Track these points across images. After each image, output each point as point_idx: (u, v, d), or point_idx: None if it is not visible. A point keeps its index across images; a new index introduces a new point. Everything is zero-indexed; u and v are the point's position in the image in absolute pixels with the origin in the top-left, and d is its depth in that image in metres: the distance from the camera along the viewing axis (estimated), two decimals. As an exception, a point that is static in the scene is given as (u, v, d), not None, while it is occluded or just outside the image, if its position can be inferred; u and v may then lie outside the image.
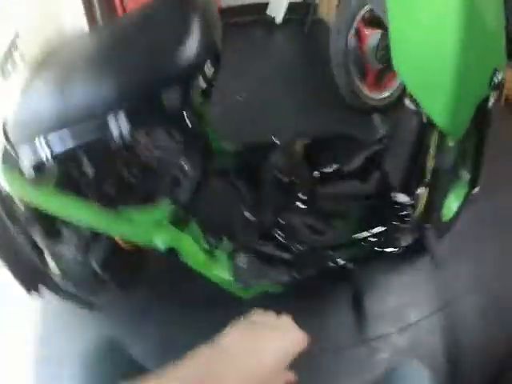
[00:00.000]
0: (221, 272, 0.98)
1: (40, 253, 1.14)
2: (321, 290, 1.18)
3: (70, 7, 2.53)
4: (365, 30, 1.50)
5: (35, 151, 0.90)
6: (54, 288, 1.25)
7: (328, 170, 1.12)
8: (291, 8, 2.20)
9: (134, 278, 1.18)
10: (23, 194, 1.02)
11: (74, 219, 1.01)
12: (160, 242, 0.94)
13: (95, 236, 1.08)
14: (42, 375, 1.21)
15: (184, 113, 0.81)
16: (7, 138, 0.97)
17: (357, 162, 1.08)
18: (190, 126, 0.83)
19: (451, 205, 1.16)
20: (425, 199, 1.08)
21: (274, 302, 1.04)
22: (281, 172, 0.98)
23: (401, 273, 1.24)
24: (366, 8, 1.43)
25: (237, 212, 1.00)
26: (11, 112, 0.93)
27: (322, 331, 1.14)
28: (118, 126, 0.79)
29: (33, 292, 1.14)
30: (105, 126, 0.79)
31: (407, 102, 1.02)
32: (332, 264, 1.00)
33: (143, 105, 0.80)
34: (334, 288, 1.19)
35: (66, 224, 1.14)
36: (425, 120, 1.01)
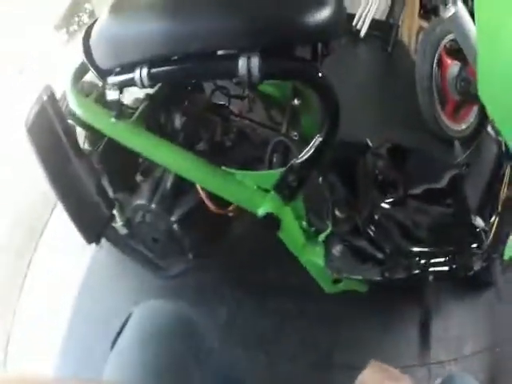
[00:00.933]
0: (315, 256, 0.89)
1: (108, 202, 1.11)
2: (394, 303, 1.22)
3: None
4: (447, 59, 1.63)
5: (131, 79, 0.88)
6: (119, 243, 1.21)
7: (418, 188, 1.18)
8: (374, 25, 2.42)
9: (212, 248, 1.16)
10: (100, 124, 1.02)
11: (163, 162, 1.01)
12: (261, 208, 0.95)
13: (179, 192, 1.07)
14: (88, 332, 1.21)
15: (318, 69, 0.81)
16: (91, 60, 0.96)
17: (442, 182, 1.07)
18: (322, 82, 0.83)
19: (512, 244, 1.18)
20: (494, 229, 1.15)
21: (350, 305, 1.13)
22: (378, 171, 0.96)
23: (464, 303, 1.30)
24: (450, 37, 1.57)
25: (327, 207, 0.94)
26: (98, 34, 0.92)
27: (391, 347, 1.18)
28: (249, 66, 0.76)
29: (93, 244, 1.09)
30: (231, 64, 0.78)
31: (489, 129, 1.01)
32: (419, 271, 0.91)
33: (276, 52, 0.79)
34: (406, 304, 1.23)
35: (146, 174, 1.14)
36: (504, 149, 1.10)
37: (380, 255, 1.05)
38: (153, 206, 1.06)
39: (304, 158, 0.90)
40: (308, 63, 0.82)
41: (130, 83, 0.90)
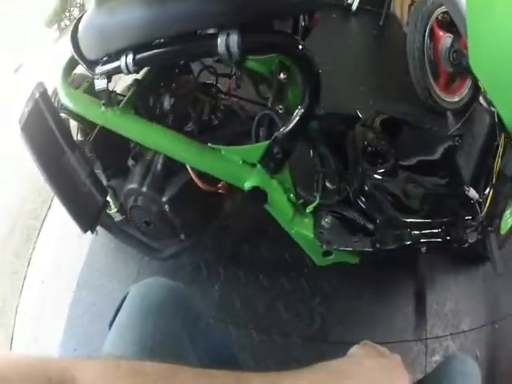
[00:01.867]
0: (304, 229, 0.99)
1: (102, 190, 1.11)
2: (388, 276, 1.21)
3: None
4: (439, 32, 1.62)
5: (117, 67, 0.90)
6: (113, 229, 1.21)
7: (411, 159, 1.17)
8: None
9: (204, 228, 1.14)
10: (89, 113, 1.03)
11: (151, 145, 1.02)
12: (248, 182, 0.94)
13: (169, 174, 1.07)
14: (88, 323, 1.22)
15: (297, 41, 0.81)
16: (79, 52, 0.98)
17: (435, 153, 1.05)
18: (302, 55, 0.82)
19: (508, 219, 1.13)
20: (489, 202, 1.12)
21: (344, 279, 1.14)
22: (368, 142, 0.94)
23: (461, 277, 1.27)
24: (441, 9, 1.57)
25: (317, 178, 0.92)
26: (84, 26, 0.94)
27: (387, 322, 1.15)
28: (227, 43, 0.77)
29: (89, 232, 1.08)
30: (210, 42, 0.78)
31: (481, 99, 1.09)
32: (411, 242, 0.89)
33: (255, 28, 0.79)
34: (401, 278, 1.22)
35: (136, 158, 1.14)
36: (496, 119, 1.06)
37: (371, 226, 1.04)
38: (144, 189, 1.06)
39: (287, 129, 0.89)
40: (287, 36, 0.83)
41: (117, 71, 0.92)
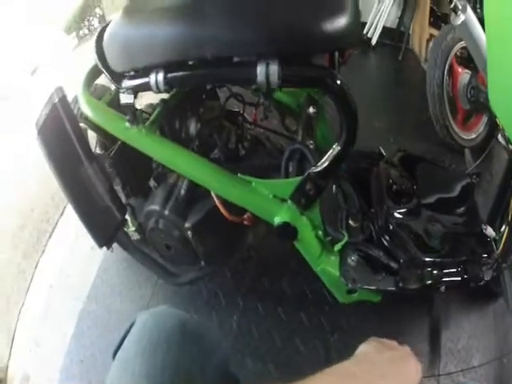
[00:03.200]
0: (330, 266, 0.99)
1: (120, 207, 1.06)
2: (405, 314, 1.19)
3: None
4: (458, 68, 1.61)
5: (146, 84, 0.86)
6: (130, 248, 1.15)
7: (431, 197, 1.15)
8: (385, 33, 2.41)
9: (226, 257, 1.12)
10: (112, 128, 1.00)
11: (178, 169, 0.98)
12: (278, 217, 0.91)
13: (193, 199, 1.04)
14: (95, 338, 1.19)
15: (337, 76, 0.79)
16: (104, 63, 0.94)
17: (454, 191, 1.04)
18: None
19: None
20: (505, 239, 1.10)
21: (361, 314, 1.12)
22: (392, 181, 0.92)
23: (472, 315, 1.25)
24: (460, 45, 1.55)
25: (341, 215, 0.90)
26: (111, 36, 0.90)
27: None
28: (267, 72, 0.75)
29: (105, 248, 1.07)
30: (250, 70, 0.76)
31: (499, 137, 1.07)
32: (431, 282, 0.87)
33: (295, 60, 0.78)
34: (417, 316, 1.20)
35: (159, 180, 1.10)
36: None
37: (394, 265, 1.03)
38: (166, 212, 1.04)
39: (322, 167, 0.87)
40: (327, 71, 0.81)
41: (145, 87, 0.88)
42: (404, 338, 1.17)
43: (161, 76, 0.83)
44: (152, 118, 1.00)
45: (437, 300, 1.17)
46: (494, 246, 1.15)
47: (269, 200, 0.91)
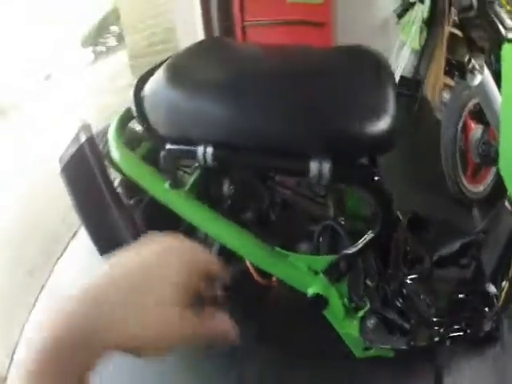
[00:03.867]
0: (351, 329, 1.06)
1: None
2: (410, 363, 1.28)
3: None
4: (471, 123, 1.65)
5: (192, 154, 0.87)
6: None
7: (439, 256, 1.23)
8: (401, 81, 2.42)
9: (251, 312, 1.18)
10: (149, 186, 0.99)
11: (217, 236, 1.00)
12: (311, 289, 0.98)
13: (224, 258, 0.95)
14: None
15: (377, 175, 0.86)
16: (143, 118, 0.94)
17: (461, 249, 1.12)
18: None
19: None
20: (505, 294, 1.20)
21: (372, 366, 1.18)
22: (409, 248, 1.01)
23: (473, 361, 1.36)
24: (474, 101, 1.58)
25: (358, 274, 0.98)
26: (154, 95, 0.89)
27: None
28: (320, 169, 0.81)
29: None
30: (302, 165, 0.82)
31: (506, 203, 1.16)
32: (439, 339, 0.97)
33: (345, 159, 0.84)
34: (421, 365, 1.29)
35: (189, 236, 1.02)
36: None
37: (407, 326, 1.11)
38: None
39: (355, 249, 0.95)
40: (371, 171, 0.87)
41: (191, 156, 0.90)
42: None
43: (210, 151, 0.84)
44: (191, 181, 1.02)
45: (439, 349, 1.26)
46: (495, 301, 1.26)
47: (303, 272, 0.98)
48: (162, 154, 0.94)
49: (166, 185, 0.97)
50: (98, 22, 2.87)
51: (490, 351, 1.36)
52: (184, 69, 0.93)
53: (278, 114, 0.81)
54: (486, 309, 1.24)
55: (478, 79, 1.10)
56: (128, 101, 0.98)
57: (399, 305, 1.11)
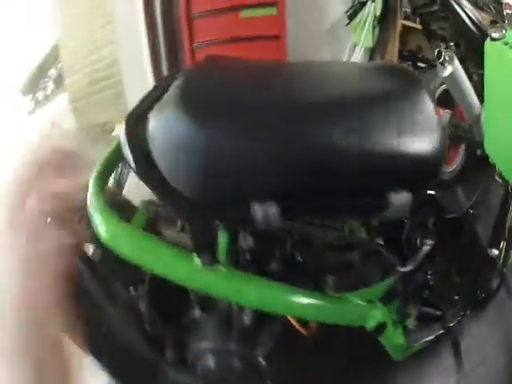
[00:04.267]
0: (397, 339, 1.06)
1: (157, 349, 0.89)
2: None
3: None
4: (439, 109, 1.67)
5: (246, 216, 0.67)
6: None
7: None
8: None
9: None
10: (165, 269, 0.77)
11: (261, 305, 0.85)
12: (371, 320, 0.96)
13: (260, 323, 0.91)
14: None
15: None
16: (150, 176, 0.70)
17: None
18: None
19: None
20: (504, 251, 1.34)
21: None
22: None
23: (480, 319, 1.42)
24: (441, 89, 1.70)
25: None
26: (175, 145, 0.68)
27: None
28: (401, 200, 0.73)
29: None
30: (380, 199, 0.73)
31: (496, 177, 1.31)
32: (463, 312, 1.23)
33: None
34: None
35: (207, 309, 0.91)
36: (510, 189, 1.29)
37: (439, 312, 1.18)
38: (232, 346, 0.90)
39: (411, 266, 0.94)
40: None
41: (241, 220, 0.72)
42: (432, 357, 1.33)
43: (274, 208, 0.64)
44: (224, 248, 0.79)
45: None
46: (497, 261, 1.39)
47: (360, 308, 0.95)
48: (191, 221, 0.74)
49: (197, 263, 0.75)
50: (37, 66, 2.53)
51: (494, 309, 1.43)
52: (208, 97, 0.71)
53: (353, 148, 0.68)
54: (491, 269, 1.37)
55: (448, 70, 1.15)
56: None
57: (428, 296, 1.15)
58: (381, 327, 0.97)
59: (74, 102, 2.96)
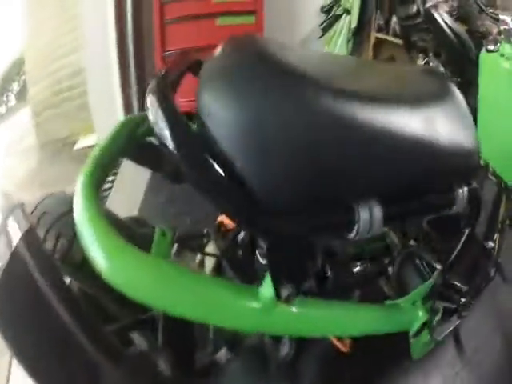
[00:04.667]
0: (425, 336, 1.09)
1: None
2: None
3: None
4: None
5: (347, 222, 0.59)
6: None
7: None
8: None
9: None
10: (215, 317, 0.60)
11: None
12: (416, 323, 1.01)
13: (301, 349, 0.82)
14: None
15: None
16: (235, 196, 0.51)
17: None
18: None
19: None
20: (498, 242, 1.48)
21: None
22: None
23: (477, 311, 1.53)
24: None
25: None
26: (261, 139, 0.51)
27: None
28: (463, 195, 0.77)
29: None
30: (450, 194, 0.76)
31: (490, 176, 1.43)
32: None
33: None
34: None
35: (235, 348, 0.78)
36: (502, 186, 1.45)
37: (454, 306, 1.24)
38: None
39: (454, 256, 1.00)
40: None
41: (341, 229, 0.60)
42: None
43: (378, 211, 0.58)
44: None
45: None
46: (493, 251, 1.50)
47: (410, 312, 0.97)
48: (275, 240, 0.57)
49: (267, 299, 0.59)
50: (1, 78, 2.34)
51: (488, 295, 1.52)
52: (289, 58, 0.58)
53: (435, 146, 0.68)
54: (487, 260, 1.48)
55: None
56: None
57: (443, 290, 1.16)
58: (422, 328, 1.02)
59: (36, 116, 2.80)
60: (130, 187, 1.55)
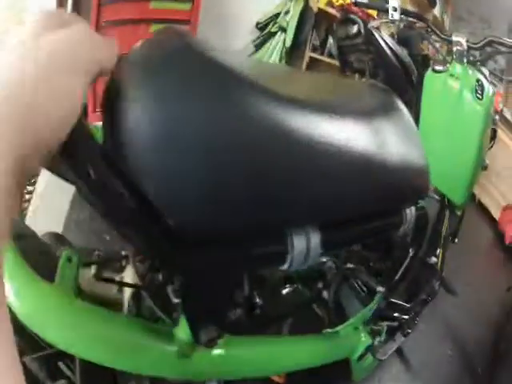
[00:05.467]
0: (369, 358, 1.04)
1: None
2: None
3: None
4: None
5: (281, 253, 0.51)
6: None
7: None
8: None
9: None
10: None
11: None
12: (359, 348, 0.96)
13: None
14: None
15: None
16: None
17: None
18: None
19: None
20: (441, 256, 1.50)
21: None
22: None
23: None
24: None
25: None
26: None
27: None
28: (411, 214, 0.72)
29: None
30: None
31: (432, 194, 1.42)
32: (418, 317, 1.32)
33: None
34: None
35: None
36: (446, 202, 1.44)
37: (398, 323, 1.23)
38: None
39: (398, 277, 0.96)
40: None
41: (272, 262, 0.53)
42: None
43: (316, 239, 0.51)
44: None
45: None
46: (437, 267, 1.50)
47: (352, 338, 0.93)
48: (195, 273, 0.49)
49: (185, 342, 0.53)
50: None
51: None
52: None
53: (383, 165, 0.59)
54: (431, 275, 1.48)
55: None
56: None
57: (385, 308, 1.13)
58: (365, 351, 0.97)
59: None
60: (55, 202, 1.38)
